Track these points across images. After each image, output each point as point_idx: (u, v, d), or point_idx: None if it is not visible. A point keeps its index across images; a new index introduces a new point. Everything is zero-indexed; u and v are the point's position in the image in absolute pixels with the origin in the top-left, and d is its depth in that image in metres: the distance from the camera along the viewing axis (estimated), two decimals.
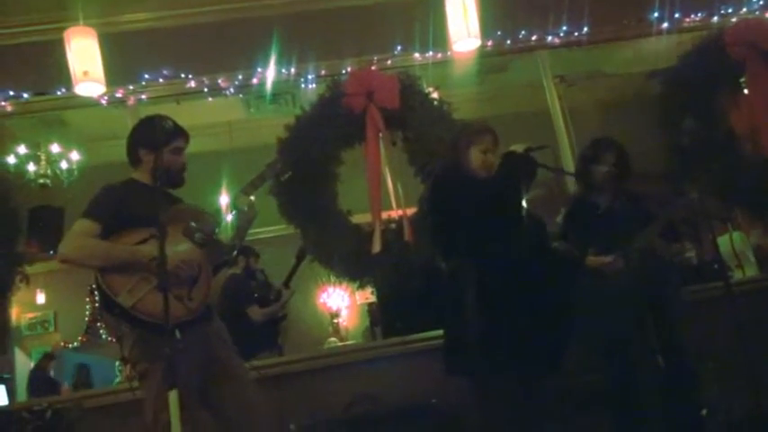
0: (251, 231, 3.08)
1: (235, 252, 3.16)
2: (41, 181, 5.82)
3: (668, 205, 3.38)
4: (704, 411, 3.27)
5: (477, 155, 3.02)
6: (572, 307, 3.02)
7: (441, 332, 3.22)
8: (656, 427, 3.13)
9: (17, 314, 6.33)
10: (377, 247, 4.13)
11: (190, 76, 4.57)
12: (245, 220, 2.86)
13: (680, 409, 3.14)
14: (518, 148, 2.98)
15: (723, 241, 4.74)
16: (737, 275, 4.80)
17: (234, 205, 2.84)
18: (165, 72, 4.54)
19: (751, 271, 4.96)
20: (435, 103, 4.35)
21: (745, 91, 4.66)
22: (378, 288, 4.61)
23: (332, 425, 3.26)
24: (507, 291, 2.73)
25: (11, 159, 5.36)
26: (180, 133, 2.81)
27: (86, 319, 7.52)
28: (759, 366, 3.16)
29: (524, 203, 3.05)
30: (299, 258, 4.69)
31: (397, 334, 4.19)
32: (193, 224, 2.69)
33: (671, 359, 3.23)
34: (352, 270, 4.35)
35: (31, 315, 7.56)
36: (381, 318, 4.84)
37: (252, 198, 2.87)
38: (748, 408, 3.23)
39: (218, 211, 2.89)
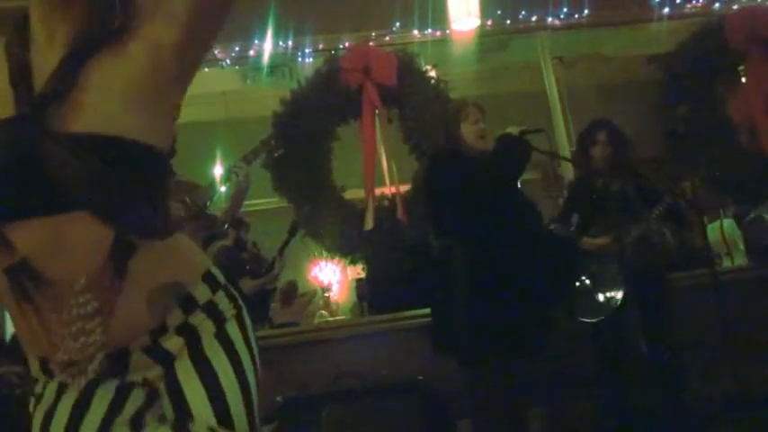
0: (244, 203, 3.09)
1: (226, 225, 3.16)
2: None
3: (671, 191, 3.37)
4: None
5: (469, 128, 3.04)
6: (559, 290, 3.04)
7: (429, 310, 3.24)
8: (640, 412, 3.17)
9: None
10: (369, 223, 4.13)
11: None
12: (239, 191, 2.87)
13: (663, 395, 3.18)
14: (513, 130, 2.98)
15: (713, 228, 4.76)
16: (726, 263, 4.82)
17: (226, 178, 2.84)
18: None
19: (740, 259, 4.98)
20: (432, 81, 4.32)
21: (743, 80, 4.65)
22: (368, 264, 4.61)
23: (318, 399, 3.28)
24: (497, 272, 2.75)
25: None
26: None
27: None
28: (743, 355, 3.20)
29: (519, 186, 3.06)
30: (291, 232, 4.68)
31: (386, 311, 4.21)
32: (188, 199, 2.68)
33: (654, 346, 3.26)
34: (344, 245, 4.35)
35: None
36: (370, 294, 4.85)
37: (247, 167, 2.88)
38: (731, 395, 3.27)
39: (212, 182, 2.89)
